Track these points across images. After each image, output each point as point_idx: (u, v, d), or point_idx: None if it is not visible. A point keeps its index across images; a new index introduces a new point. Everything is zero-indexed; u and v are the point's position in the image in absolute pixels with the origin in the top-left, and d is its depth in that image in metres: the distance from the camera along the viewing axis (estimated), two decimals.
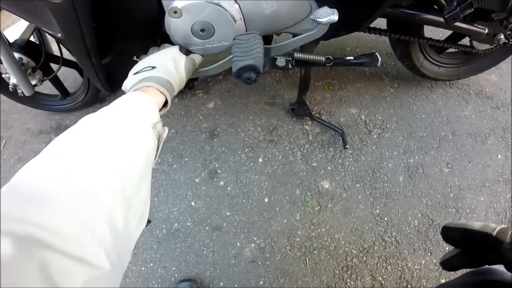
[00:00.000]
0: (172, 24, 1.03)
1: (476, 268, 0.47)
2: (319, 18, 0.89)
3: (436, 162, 1.51)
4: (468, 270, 0.49)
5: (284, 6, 1.03)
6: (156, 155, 0.59)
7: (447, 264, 0.49)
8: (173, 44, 1.06)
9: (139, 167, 0.50)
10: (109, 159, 0.46)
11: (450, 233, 0.48)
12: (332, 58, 1.24)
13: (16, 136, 1.91)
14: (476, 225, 0.44)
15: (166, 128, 0.64)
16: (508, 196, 1.44)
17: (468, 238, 0.46)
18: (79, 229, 0.37)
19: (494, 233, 0.42)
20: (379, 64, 1.22)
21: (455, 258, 0.48)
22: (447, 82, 1.74)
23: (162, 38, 1.29)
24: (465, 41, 1.43)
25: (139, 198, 0.50)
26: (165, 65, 0.77)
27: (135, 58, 0.93)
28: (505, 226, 0.42)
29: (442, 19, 1.12)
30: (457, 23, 1.21)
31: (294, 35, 1.11)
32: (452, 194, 1.44)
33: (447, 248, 1.30)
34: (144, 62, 0.79)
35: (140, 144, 0.53)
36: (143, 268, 1.36)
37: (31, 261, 0.31)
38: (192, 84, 1.23)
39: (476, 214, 1.40)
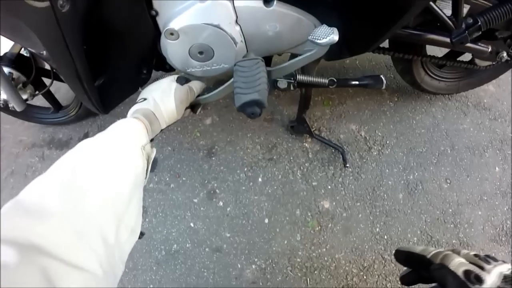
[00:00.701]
0: (169, 46, 1.01)
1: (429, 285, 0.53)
2: (317, 39, 0.82)
3: (435, 178, 1.52)
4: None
5: (287, 27, 1.01)
6: (146, 174, 0.65)
7: (404, 279, 0.58)
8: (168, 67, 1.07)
9: (129, 185, 0.56)
10: (100, 179, 0.52)
11: (398, 255, 0.58)
12: (335, 80, 1.22)
13: (9, 148, 1.87)
14: (418, 248, 0.54)
15: (154, 149, 0.71)
16: (506, 208, 1.46)
17: (409, 259, 0.56)
18: (75, 239, 0.43)
19: (429, 256, 0.51)
20: (383, 87, 1.22)
21: (409, 275, 0.58)
22: (446, 95, 1.74)
23: (158, 59, 1.26)
24: (467, 55, 1.42)
25: (130, 213, 0.56)
26: (153, 97, 0.82)
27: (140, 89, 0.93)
28: (440, 250, 0.51)
29: (447, 40, 1.12)
30: None
31: (295, 55, 1.08)
32: (450, 210, 1.45)
33: None
34: (141, 93, 0.88)
35: (129, 165, 0.59)
36: None
37: (33, 267, 0.36)
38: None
39: (474, 228, 1.42)
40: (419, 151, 1.58)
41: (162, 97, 0.83)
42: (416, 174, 1.53)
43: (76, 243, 0.42)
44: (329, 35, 0.82)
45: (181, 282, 1.36)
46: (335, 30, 0.83)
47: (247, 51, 1.07)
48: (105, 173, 0.54)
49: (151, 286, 1.36)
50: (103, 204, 0.50)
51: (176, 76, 0.91)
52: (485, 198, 1.48)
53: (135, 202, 0.58)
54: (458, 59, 1.41)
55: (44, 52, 0.87)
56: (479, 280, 0.43)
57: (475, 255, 0.48)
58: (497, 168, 1.55)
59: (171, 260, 1.40)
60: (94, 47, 0.97)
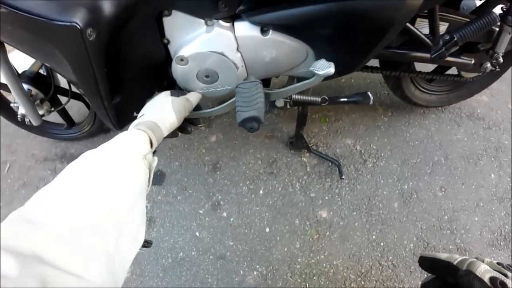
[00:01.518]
0: (179, 71, 1.10)
1: None
2: (317, 70, 0.94)
3: (429, 186, 1.56)
4: None
5: (282, 53, 1.09)
6: (149, 182, 0.67)
7: (426, 287, 0.60)
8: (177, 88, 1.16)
9: (131, 194, 0.57)
10: (102, 188, 0.53)
11: (423, 262, 0.60)
12: (327, 98, 1.32)
13: (21, 161, 1.92)
14: (443, 255, 0.55)
15: (156, 158, 0.73)
16: (503, 214, 1.48)
17: (435, 266, 0.57)
18: (75, 250, 0.43)
19: (455, 263, 0.52)
20: (371, 102, 1.29)
21: (431, 283, 0.59)
22: (439, 108, 1.79)
23: (168, 81, 1.38)
24: (454, 69, 1.48)
25: (133, 221, 0.56)
26: (152, 110, 0.88)
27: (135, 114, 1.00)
28: (466, 257, 0.52)
29: (428, 56, 1.19)
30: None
31: (291, 77, 1.22)
32: (446, 217, 1.48)
33: None
34: (141, 111, 0.92)
35: (131, 173, 0.60)
36: None
37: (33, 276, 0.36)
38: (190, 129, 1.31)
39: (471, 234, 1.44)
40: (413, 162, 1.63)
41: (161, 109, 0.88)
42: (411, 183, 1.57)
43: (77, 253, 0.43)
44: (327, 68, 0.94)
45: None
46: (332, 64, 0.94)
47: (247, 74, 1.15)
48: (107, 182, 0.54)
49: None
50: (104, 213, 0.50)
51: (169, 91, 1.00)
52: (481, 204, 1.50)
53: (138, 210, 0.58)
54: (445, 73, 1.47)
55: (72, 75, 0.98)
56: (504, 286, 0.44)
57: (498, 263, 0.50)
58: (492, 175, 1.58)
59: (177, 267, 1.47)
60: (114, 70, 1.05)
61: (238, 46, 1.06)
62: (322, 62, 0.96)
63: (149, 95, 1.32)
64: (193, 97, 1.04)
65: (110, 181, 0.55)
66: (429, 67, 1.52)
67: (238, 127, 0.97)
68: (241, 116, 0.94)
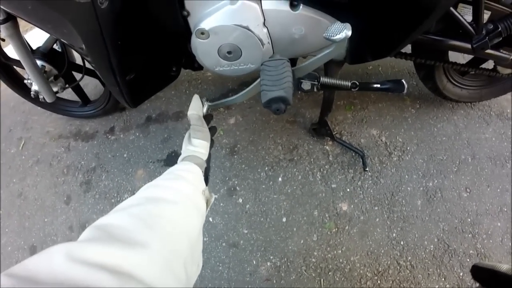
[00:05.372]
0: (199, 45, 1.04)
1: None
2: (331, 36, 0.84)
3: (455, 186, 1.50)
4: None
5: (312, 30, 1.02)
6: (205, 215, 0.70)
7: None
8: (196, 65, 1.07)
9: (198, 225, 0.62)
10: (179, 217, 0.57)
11: (479, 273, 0.54)
12: (357, 83, 1.23)
13: (36, 138, 1.96)
14: (504, 267, 0.49)
15: (213, 195, 0.77)
16: None
17: (495, 279, 0.50)
18: (165, 269, 0.46)
19: None
20: (405, 91, 1.21)
21: None
22: (469, 104, 1.72)
23: (187, 58, 1.30)
24: (489, 63, 1.42)
25: (198, 250, 0.61)
26: (186, 148, 0.84)
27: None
28: None
29: (468, 46, 1.11)
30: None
31: None
32: (469, 219, 1.43)
33: (461, 274, 1.31)
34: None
35: (197, 208, 0.65)
36: None
37: None
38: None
39: (492, 239, 1.39)
40: (439, 158, 1.57)
41: (190, 142, 0.84)
42: (436, 181, 1.52)
43: (165, 272, 0.45)
44: (342, 31, 0.83)
45: None
46: (348, 25, 0.83)
47: (273, 52, 1.09)
48: (180, 212, 0.59)
49: None
50: (184, 239, 0.54)
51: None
52: (505, 209, 1.45)
53: (201, 240, 0.63)
54: (481, 66, 1.40)
55: (83, 47, 0.91)
56: None
57: None
58: None
59: None
60: (128, 43, 1.00)
61: (264, 20, 0.99)
62: (337, 25, 0.85)
63: (166, 72, 1.27)
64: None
65: (185, 211, 0.60)
66: (461, 60, 1.44)
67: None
68: (267, 96, 0.88)
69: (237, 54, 1.06)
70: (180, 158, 0.81)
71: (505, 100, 1.73)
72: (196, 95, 0.91)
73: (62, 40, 1.18)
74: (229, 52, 1.05)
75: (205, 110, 0.92)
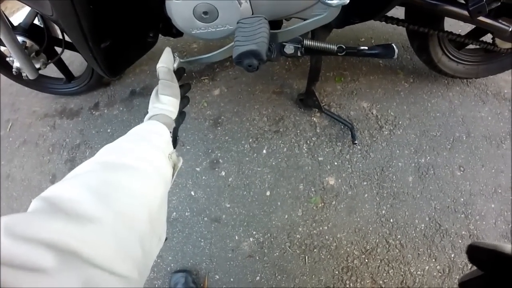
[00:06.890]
0: (173, 7, 0.97)
1: None
2: (329, 0, 0.80)
3: (448, 164, 1.45)
4: None
5: None
6: (171, 182, 0.64)
7: (467, 286, 0.44)
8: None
9: (161, 193, 0.56)
10: (136, 185, 0.51)
11: (477, 254, 0.43)
12: (344, 47, 1.17)
13: (22, 119, 1.96)
14: (507, 247, 0.38)
15: (181, 158, 0.69)
16: None
17: (497, 262, 0.40)
18: (116, 247, 0.41)
19: None
20: (395, 56, 1.15)
21: (474, 281, 0.43)
22: (464, 81, 1.66)
23: (165, 24, 1.24)
24: (487, 38, 1.36)
25: (160, 221, 0.55)
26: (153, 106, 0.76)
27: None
28: None
29: (466, 12, 1.06)
30: (481, 18, 1.14)
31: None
32: (462, 199, 1.38)
33: (452, 256, 1.26)
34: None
35: (161, 175, 0.58)
36: None
37: (73, 274, 0.34)
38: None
39: (485, 221, 1.34)
40: (432, 134, 1.52)
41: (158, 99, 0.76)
42: (428, 158, 1.46)
43: (117, 250, 0.41)
44: None
45: (177, 250, 1.34)
46: None
47: (252, 12, 1.03)
48: (140, 180, 0.53)
49: None
50: (143, 211, 0.49)
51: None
52: (500, 191, 1.39)
53: (163, 210, 0.58)
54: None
55: (53, 13, 0.87)
56: None
57: None
58: None
59: (169, 228, 1.37)
60: (100, 7, 0.97)
61: None
62: None
63: (143, 38, 1.24)
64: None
65: (143, 178, 0.54)
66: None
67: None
68: (238, 51, 0.82)
69: (214, 14, 0.99)
70: (146, 117, 0.73)
71: (502, 80, 1.68)
72: (168, 47, 0.83)
73: (28, 5, 1.13)
74: (205, 13, 0.99)
75: (176, 65, 0.85)
